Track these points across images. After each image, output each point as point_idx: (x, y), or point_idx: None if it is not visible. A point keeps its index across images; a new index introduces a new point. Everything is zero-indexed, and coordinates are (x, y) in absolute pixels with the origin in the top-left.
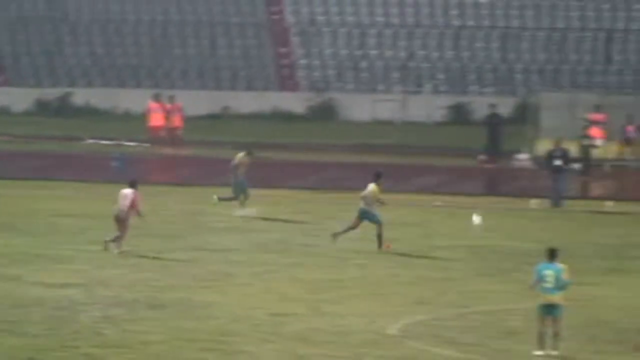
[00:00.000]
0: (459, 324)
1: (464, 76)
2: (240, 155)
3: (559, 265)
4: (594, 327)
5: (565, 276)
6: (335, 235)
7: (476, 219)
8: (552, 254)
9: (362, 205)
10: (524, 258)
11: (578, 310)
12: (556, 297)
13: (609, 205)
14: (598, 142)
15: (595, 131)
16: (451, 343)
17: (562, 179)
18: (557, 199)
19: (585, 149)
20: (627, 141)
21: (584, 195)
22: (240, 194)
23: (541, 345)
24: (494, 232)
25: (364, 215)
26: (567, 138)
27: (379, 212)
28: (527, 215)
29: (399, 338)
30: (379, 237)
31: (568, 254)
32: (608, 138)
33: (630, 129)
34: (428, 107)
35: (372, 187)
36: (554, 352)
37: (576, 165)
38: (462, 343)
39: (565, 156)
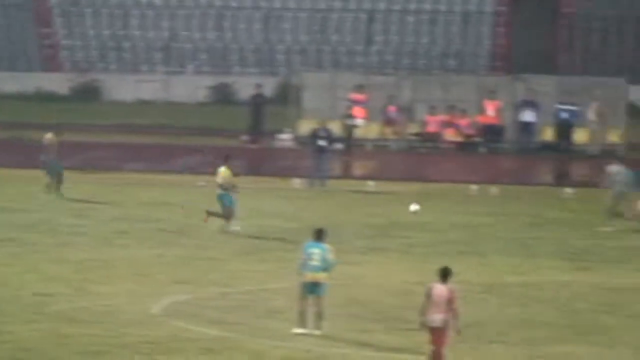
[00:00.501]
0: (221, 303)
1: (226, 57)
2: (49, 136)
3: (325, 245)
4: (355, 306)
5: (331, 256)
6: (226, 230)
7: (413, 207)
8: (319, 234)
9: (218, 190)
10: (285, 238)
11: (340, 290)
12: (321, 276)
13: (371, 185)
14: (360, 122)
15: (357, 111)
16: (214, 322)
17: (325, 159)
18: (320, 179)
19: (348, 129)
20: (389, 122)
21: (347, 175)
22: (54, 175)
23: (302, 323)
24: (256, 211)
25: (220, 199)
26: (329, 118)
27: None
28: (289, 195)
29: (162, 317)
30: (215, 213)
31: (330, 233)
32: (370, 118)
33: (392, 109)
34: (191, 87)
35: (223, 170)
36: (317, 332)
37: (339, 145)
38: (224, 322)
39: (328, 136)
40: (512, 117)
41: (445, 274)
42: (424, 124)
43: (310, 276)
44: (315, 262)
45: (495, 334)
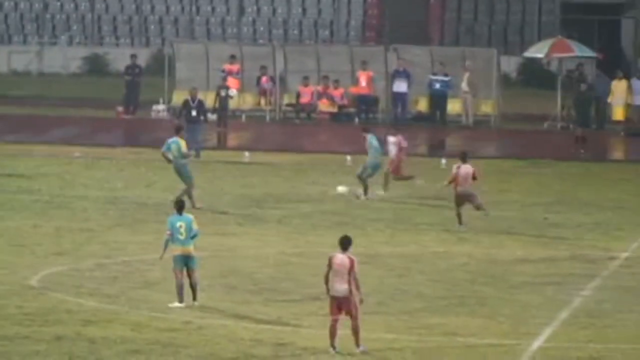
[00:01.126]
0: (99, 274)
1: (99, 27)
2: None
3: (189, 216)
4: (233, 277)
5: (195, 226)
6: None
7: (341, 188)
8: (180, 206)
9: (179, 162)
10: (159, 209)
11: (216, 261)
12: (189, 248)
13: (246, 156)
14: (233, 92)
15: (231, 82)
16: (92, 294)
17: (198, 130)
18: (194, 150)
19: (222, 100)
20: (263, 92)
21: (221, 146)
22: None
23: (180, 297)
24: (131, 182)
25: (182, 169)
26: (202, 89)
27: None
28: (164, 165)
29: (40, 289)
30: (190, 196)
31: (206, 204)
32: (243, 89)
33: (265, 80)
34: (64, 58)
35: (180, 141)
36: (195, 303)
37: (212, 116)
38: (102, 294)
39: (200, 107)
40: (385, 88)
41: (345, 243)
42: (297, 94)
43: (180, 250)
44: (181, 236)
45: (375, 304)
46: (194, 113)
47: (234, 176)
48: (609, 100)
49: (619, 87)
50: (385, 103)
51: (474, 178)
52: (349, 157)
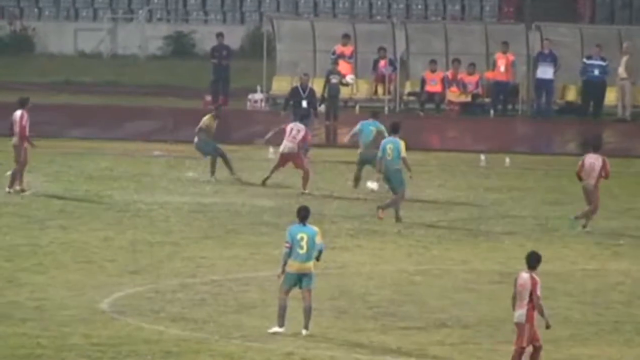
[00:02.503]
0: (183, 296)
1: (184, 1)
2: None
3: (313, 228)
4: (344, 299)
5: (319, 240)
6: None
7: (371, 184)
8: (304, 214)
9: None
10: (258, 218)
11: (325, 280)
12: (308, 266)
13: None
14: (350, 79)
15: (342, 66)
16: (174, 320)
17: (308, 125)
18: (304, 149)
19: (332, 88)
20: (381, 79)
21: (330, 143)
22: None
23: (281, 321)
24: (223, 186)
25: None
26: (310, 74)
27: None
28: (265, 166)
29: (112, 314)
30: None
31: (313, 213)
32: (357, 75)
33: (383, 64)
34: (142, 37)
35: (395, 140)
36: (305, 332)
37: (320, 107)
38: (187, 319)
39: (312, 97)
40: (527, 74)
41: (532, 261)
42: (422, 81)
43: (297, 266)
44: (302, 250)
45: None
46: (304, 104)
47: (345, 179)
48: None
49: None
50: (527, 92)
51: (604, 175)
52: (483, 157)
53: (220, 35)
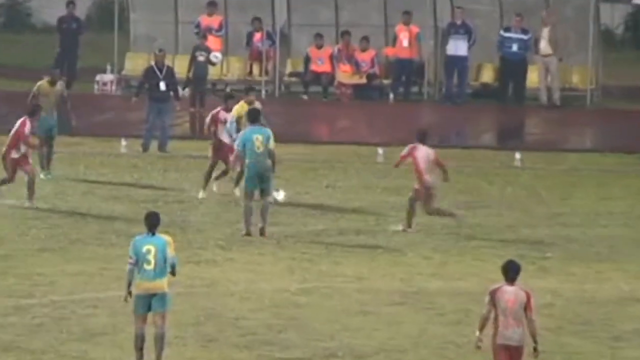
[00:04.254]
0: (18, 320)
1: None
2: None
3: (163, 237)
4: (212, 324)
5: (170, 252)
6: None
7: (278, 194)
8: (152, 222)
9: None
10: (108, 225)
11: (190, 301)
12: (160, 284)
13: None
14: (216, 57)
15: (210, 41)
16: (6, 348)
17: (167, 111)
18: (162, 140)
19: (198, 68)
20: (256, 56)
21: (196, 135)
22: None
23: (139, 354)
24: (65, 186)
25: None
26: (168, 51)
27: None
28: (116, 162)
29: None
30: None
31: (176, 219)
32: (227, 52)
33: (259, 37)
34: None
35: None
36: None
37: (183, 91)
38: (22, 348)
39: (171, 78)
40: (435, 50)
41: (511, 271)
42: (306, 59)
43: (145, 286)
44: (150, 266)
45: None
46: (162, 87)
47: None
48: None
49: None
50: (435, 72)
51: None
52: (380, 151)
53: (71, 3)
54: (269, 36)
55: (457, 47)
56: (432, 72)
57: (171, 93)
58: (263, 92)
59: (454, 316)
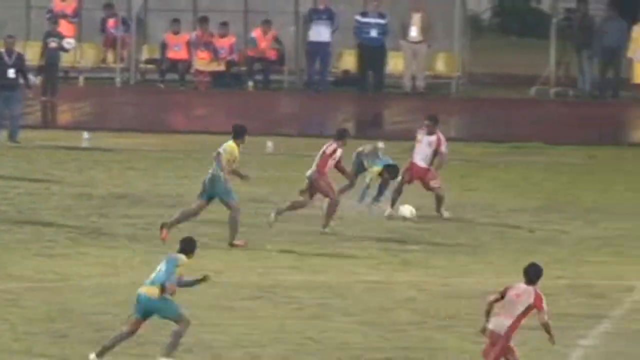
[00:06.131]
0: None
1: None
2: None
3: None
4: (63, 320)
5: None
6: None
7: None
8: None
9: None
10: None
11: (40, 296)
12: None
13: (85, 137)
14: (69, 43)
15: (63, 27)
16: None
17: (17, 100)
18: (12, 130)
19: (51, 55)
20: (110, 42)
21: (48, 124)
22: None
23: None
24: None
25: None
26: (19, 37)
27: None
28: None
29: None
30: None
31: (20, 211)
32: (80, 38)
33: (113, 24)
34: None
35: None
36: None
37: (35, 79)
38: None
39: (20, 65)
40: (296, 35)
41: (532, 274)
42: (163, 45)
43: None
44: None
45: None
46: (10, 74)
47: (65, 168)
48: (628, 54)
49: None
50: (296, 58)
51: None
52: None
53: None
54: (124, 22)
55: (320, 33)
56: (293, 59)
57: (21, 81)
58: (118, 80)
59: (312, 310)
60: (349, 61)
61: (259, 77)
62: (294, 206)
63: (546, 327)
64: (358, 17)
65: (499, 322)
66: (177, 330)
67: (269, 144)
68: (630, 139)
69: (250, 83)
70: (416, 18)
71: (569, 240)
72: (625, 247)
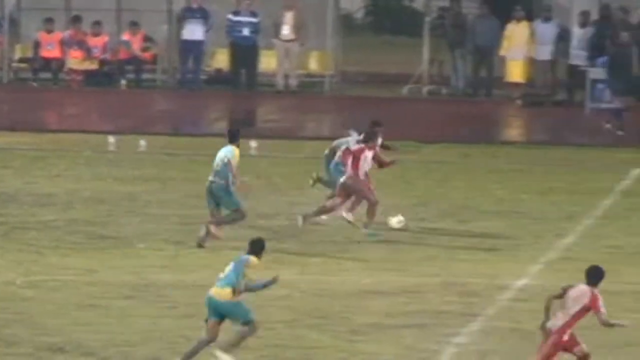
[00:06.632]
0: None
1: None
2: None
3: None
4: None
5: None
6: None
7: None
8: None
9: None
10: None
11: None
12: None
13: None
14: None
15: None
16: None
17: None
18: None
19: None
20: None
21: None
22: None
23: None
24: None
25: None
26: None
27: None
28: None
29: None
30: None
31: None
32: None
33: None
34: None
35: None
36: None
37: None
38: None
39: None
40: (169, 34)
41: (594, 276)
42: (36, 44)
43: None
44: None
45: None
46: None
47: None
48: (501, 52)
49: (517, 34)
50: (169, 57)
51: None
52: (111, 139)
53: None
54: None
55: (193, 31)
56: (166, 57)
57: None
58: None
59: (185, 309)
60: (221, 60)
61: (131, 75)
62: (323, 211)
63: (608, 327)
64: (230, 16)
65: (555, 320)
66: (243, 331)
67: (142, 142)
68: (503, 137)
69: (123, 82)
70: (289, 16)
71: (442, 238)
72: (498, 246)
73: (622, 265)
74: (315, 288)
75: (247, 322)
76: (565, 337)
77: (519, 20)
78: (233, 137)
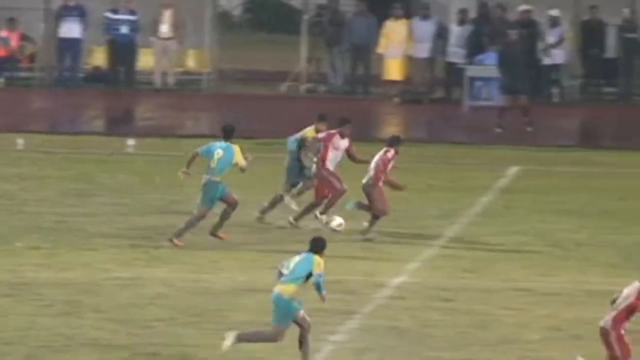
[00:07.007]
0: None
1: None
2: None
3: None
4: None
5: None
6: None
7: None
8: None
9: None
10: None
11: None
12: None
13: None
14: None
15: None
16: None
17: None
18: None
19: None
20: None
21: None
22: None
23: None
24: None
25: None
26: None
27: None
28: None
29: None
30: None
31: None
32: None
33: None
34: None
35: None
36: None
37: None
38: None
39: None
40: (46, 32)
41: None
42: None
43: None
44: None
45: (23, 357)
46: None
47: None
48: (379, 50)
49: (395, 31)
50: (47, 55)
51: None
52: None
53: None
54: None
55: (71, 29)
56: (43, 56)
57: None
58: None
59: (63, 307)
60: (99, 57)
61: (7, 73)
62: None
63: None
64: (108, 14)
65: (606, 317)
66: (267, 331)
67: (20, 140)
68: (381, 135)
69: (1, 80)
70: (167, 15)
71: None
72: (375, 244)
73: (500, 263)
74: (190, 286)
75: (278, 326)
76: (622, 331)
77: (397, 18)
78: (229, 134)
